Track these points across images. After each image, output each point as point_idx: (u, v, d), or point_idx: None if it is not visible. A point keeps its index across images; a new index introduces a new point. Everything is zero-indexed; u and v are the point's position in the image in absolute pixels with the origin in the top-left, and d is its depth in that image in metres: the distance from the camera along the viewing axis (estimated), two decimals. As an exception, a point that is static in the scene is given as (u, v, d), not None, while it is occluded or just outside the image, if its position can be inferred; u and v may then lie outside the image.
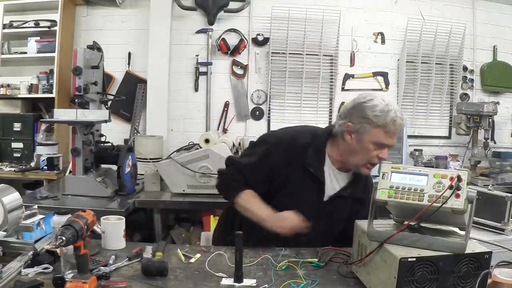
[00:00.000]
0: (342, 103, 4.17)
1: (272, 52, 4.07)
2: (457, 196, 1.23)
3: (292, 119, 4.13)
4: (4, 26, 3.82)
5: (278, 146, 1.80)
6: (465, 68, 4.28)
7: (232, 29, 4.07)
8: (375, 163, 1.71)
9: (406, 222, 1.33)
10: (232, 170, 1.88)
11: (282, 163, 1.77)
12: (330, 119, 4.21)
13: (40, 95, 3.88)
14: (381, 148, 1.69)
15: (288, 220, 1.68)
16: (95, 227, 1.58)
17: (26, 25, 3.85)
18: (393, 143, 1.71)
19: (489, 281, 1.27)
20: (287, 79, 4.12)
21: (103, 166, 2.98)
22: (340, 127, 1.74)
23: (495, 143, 3.97)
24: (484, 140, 3.77)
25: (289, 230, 1.67)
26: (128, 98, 3.88)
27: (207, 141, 3.45)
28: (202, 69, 4.09)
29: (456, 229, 1.37)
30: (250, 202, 1.78)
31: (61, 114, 2.85)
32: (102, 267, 1.44)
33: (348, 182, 1.83)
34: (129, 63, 4.08)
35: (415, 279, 1.20)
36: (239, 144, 3.96)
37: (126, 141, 3.92)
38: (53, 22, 3.80)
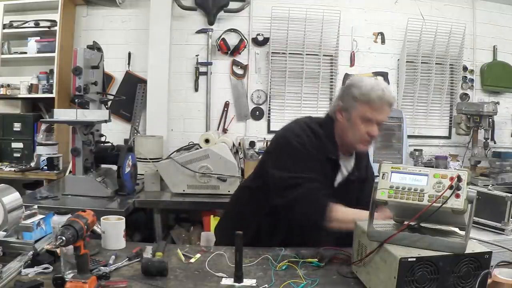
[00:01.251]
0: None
1: (272, 52, 4.07)
2: (457, 196, 1.23)
3: (292, 119, 4.11)
4: (4, 26, 3.82)
5: (307, 141, 1.77)
6: (465, 68, 4.28)
7: (232, 29, 4.07)
8: (366, 139, 1.76)
9: (406, 222, 1.33)
10: (306, 189, 1.67)
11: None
12: (330, 119, 4.21)
13: (40, 95, 3.88)
14: (370, 123, 1.73)
15: (387, 210, 1.60)
16: (95, 227, 1.59)
17: (26, 25, 3.85)
18: (381, 119, 1.74)
19: (489, 281, 1.27)
20: (287, 79, 4.12)
21: (103, 166, 2.98)
22: (333, 107, 1.84)
23: (495, 143, 3.97)
24: (484, 140, 3.77)
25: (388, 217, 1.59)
26: (128, 98, 3.88)
27: (207, 141, 3.44)
28: (202, 69, 4.09)
29: (456, 229, 1.37)
30: (349, 212, 1.65)
31: (61, 114, 2.85)
32: (102, 267, 1.44)
33: (353, 166, 1.88)
34: (129, 63, 4.08)
35: (415, 279, 1.20)
36: (239, 144, 3.96)
37: (126, 141, 3.92)
38: (53, 22, 3.80)
